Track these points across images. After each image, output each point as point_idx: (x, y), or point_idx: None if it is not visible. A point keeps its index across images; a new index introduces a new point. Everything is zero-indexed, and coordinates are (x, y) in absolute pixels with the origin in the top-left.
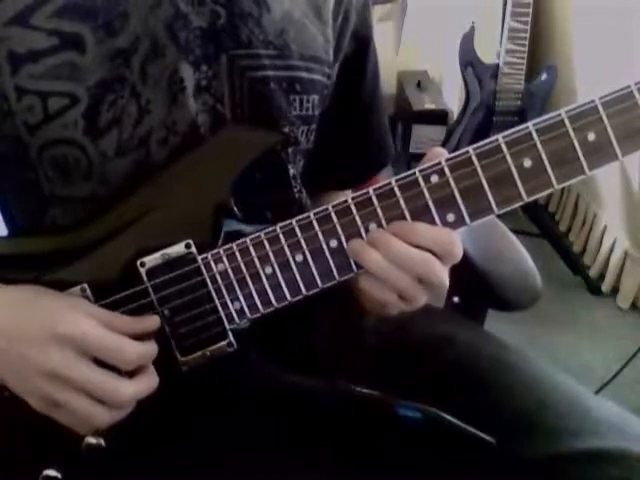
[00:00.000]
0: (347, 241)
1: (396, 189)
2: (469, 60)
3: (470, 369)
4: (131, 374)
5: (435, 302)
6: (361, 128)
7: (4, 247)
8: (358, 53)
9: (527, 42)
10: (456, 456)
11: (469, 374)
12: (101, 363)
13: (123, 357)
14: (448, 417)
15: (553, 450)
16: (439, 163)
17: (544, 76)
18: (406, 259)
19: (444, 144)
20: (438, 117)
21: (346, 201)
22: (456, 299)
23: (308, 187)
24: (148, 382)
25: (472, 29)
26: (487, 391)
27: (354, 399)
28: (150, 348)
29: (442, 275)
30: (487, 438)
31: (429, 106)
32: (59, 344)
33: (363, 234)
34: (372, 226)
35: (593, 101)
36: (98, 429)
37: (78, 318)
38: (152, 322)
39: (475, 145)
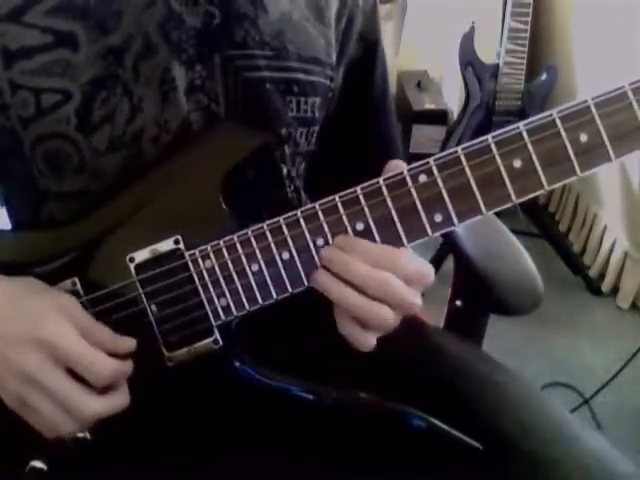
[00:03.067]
0: (334, 239)
1: (383, 188)
2: (469, 60)
3: (458, 386)
4: (103, 390)
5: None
6: (369, 131)
7: (6, 240)
8: (365, 55)
9: (527, 42)
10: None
11: (456, 391)
12: (76, 374)
13: (95, 373)
14: (439, 423)
15: (534, 478)
16: (427, 162)
17: (544, 76)
18: (365, 279)
19: (444, 144)
20: (438, 117)
21: (333, 199)
22: (458, 302)
23: (316, 191)
24: (117, 401)
25: (472, 29)
26: (472, 411)
27: (352, 403)
28: (125, 366)
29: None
30: (474, 444)
31: (429, 106)
32: (38, 349)
33: (350, 233)
34: (359, 225)
35: (586, 101)
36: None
37: (61, 325)
38: (128, 344)
39: (464, 145)
